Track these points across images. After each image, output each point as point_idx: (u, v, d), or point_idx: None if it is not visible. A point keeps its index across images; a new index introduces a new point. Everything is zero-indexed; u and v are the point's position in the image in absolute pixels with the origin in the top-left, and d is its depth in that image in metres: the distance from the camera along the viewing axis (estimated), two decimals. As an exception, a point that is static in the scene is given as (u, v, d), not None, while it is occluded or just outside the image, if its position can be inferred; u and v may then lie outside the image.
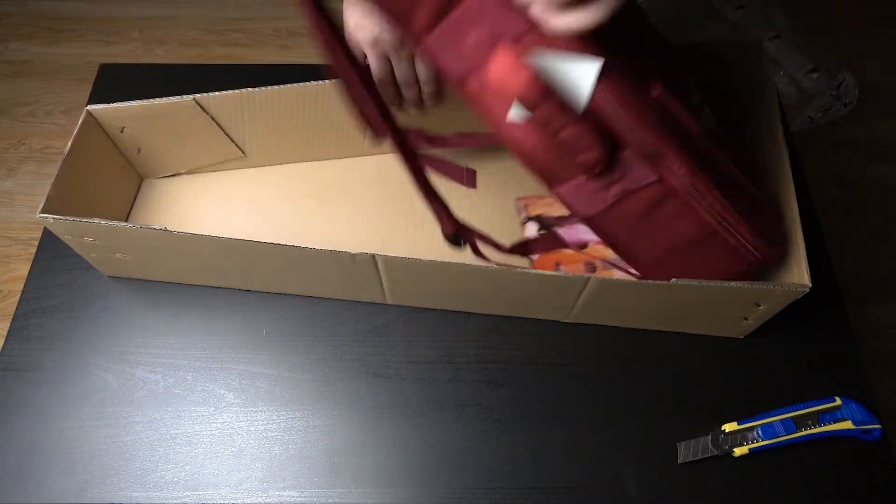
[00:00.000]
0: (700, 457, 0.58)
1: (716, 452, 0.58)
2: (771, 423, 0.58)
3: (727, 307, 0.57)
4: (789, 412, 0.59)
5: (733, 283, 0.53)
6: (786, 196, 0.58)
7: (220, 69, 0.91)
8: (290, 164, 0.75)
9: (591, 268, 0.67)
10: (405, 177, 0.73)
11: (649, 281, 0.53)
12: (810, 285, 0.52)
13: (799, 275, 0.54)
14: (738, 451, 0.58)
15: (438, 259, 0.55)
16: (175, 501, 0.57)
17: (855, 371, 0.63)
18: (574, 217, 0.69)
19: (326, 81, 0.65)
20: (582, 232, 0.69)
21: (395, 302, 0.66)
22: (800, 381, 0.62)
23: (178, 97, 0.64)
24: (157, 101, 0.64)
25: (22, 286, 0.67)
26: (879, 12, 1.73)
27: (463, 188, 0.69)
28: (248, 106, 0.66)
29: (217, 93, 0.64)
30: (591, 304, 0.60)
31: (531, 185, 0.72)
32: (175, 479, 0.58)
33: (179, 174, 0.74)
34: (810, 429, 0.58)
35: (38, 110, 1.53)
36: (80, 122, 0.63)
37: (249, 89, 0.65)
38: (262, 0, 1.74)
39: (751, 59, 0.66)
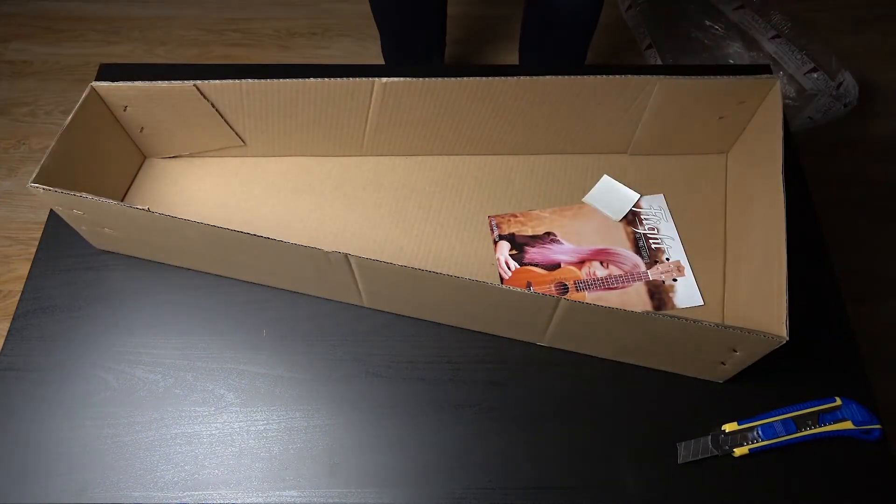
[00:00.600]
0: (700, 457, 0.58)
1: (716, 452, 0.58)
2: (771, 423, 0.58)
3: (703, 348, 0.56)
4: (789, 412, 0.59)
5: (708, 323, 0.52)
6: (776, 247, 0.57)
7: (220, 69, 0.91)
8: (289, 157, 0.76)
9: (563, 289, 0.67)
10: (400, 181, 0.74)
11: (619, 309, 0.52)
12: (787, 338, 0.51)
13: (778, 326, 0.53)
14: (738, 451, 0.58)
15: (419, 267, 0.54)
16: (175, 501, 0.57)
17: (855, 371, 0.63)
18: (547, 238, 0.69)
19: (327, 79, 0.65)
20: (554, 253, 0.69)
21: (372, 306, 0.66)
22: (800, 381, 0.62)
23: (180, 82, 0.64)
24: (159, 83, 0.65)
25: (22, 286, 0.67)
26: (880, 12, 1.73)
27: (433, 207, 0.69)
28: (248, 97, 0.67)
29: (217, 81, 0.65)
30: (563, 329, 0.59)
31: (503, 203, 0.72)
32: (175, 479, 0.58)
33: (182, 156, 0.75)
34: (810, 429, 0.58)
35: (38, 110, 1.53)
36: (83, 96, 0.63)
37: (249, 80, 0.65)
38: (262, 0, 1.74)
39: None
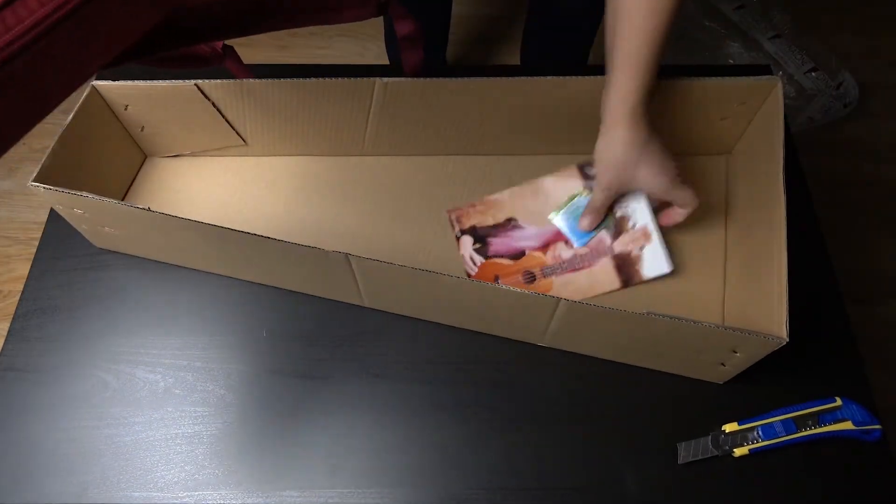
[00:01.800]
0: (700, 457, 0.58)
1: (716, 452, 0.58)
2: (771, 423, 0.58)
3: (703, 350, 0.56)
4: (789, 412, 0.59)
5: (708, 324, 0.52)
6: (777, 248, 0.57)
7: (221, 68, 0.91)
8: (290, 157, 0.75)
9: (530, 278, 0.66)
10: (401, 181, 0.74)
11: (620, 309, 0.52)
12: (787, 339, 0.51)
13: (778, 327, 0.52)
14: (738, 452, 0.58)
15: (418, 267, 0.54)
16: (175, 501, 0.57)
17: (855, 371, 0.63)
18: (509, 224, 0.68)
19: (327, 79, 0.65)
20: (517, 240, 0.68)
21: (372, 306, 0.66)
22: (800, 381, 0.62)
23: (181, 80, 0.64)
24: (160, 82, 0.64)
25: (22, 286, 0.67)
26: (879, 12, 1.73)
27: (433, 207, 0.69)
28: (249, 96, 0.67)
29: (218, 80, 0.65)
30: (563, 329, 0.59)
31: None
32: (175, 479, 0.58)
33: (182, 155, 0.75)
34: (810, 429, 0.58)
35: (37, 110, 1.53)
36: (83, 96, 0.64)
37: (250, 80, 0.65)
38: (262, 0, 1.74)
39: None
